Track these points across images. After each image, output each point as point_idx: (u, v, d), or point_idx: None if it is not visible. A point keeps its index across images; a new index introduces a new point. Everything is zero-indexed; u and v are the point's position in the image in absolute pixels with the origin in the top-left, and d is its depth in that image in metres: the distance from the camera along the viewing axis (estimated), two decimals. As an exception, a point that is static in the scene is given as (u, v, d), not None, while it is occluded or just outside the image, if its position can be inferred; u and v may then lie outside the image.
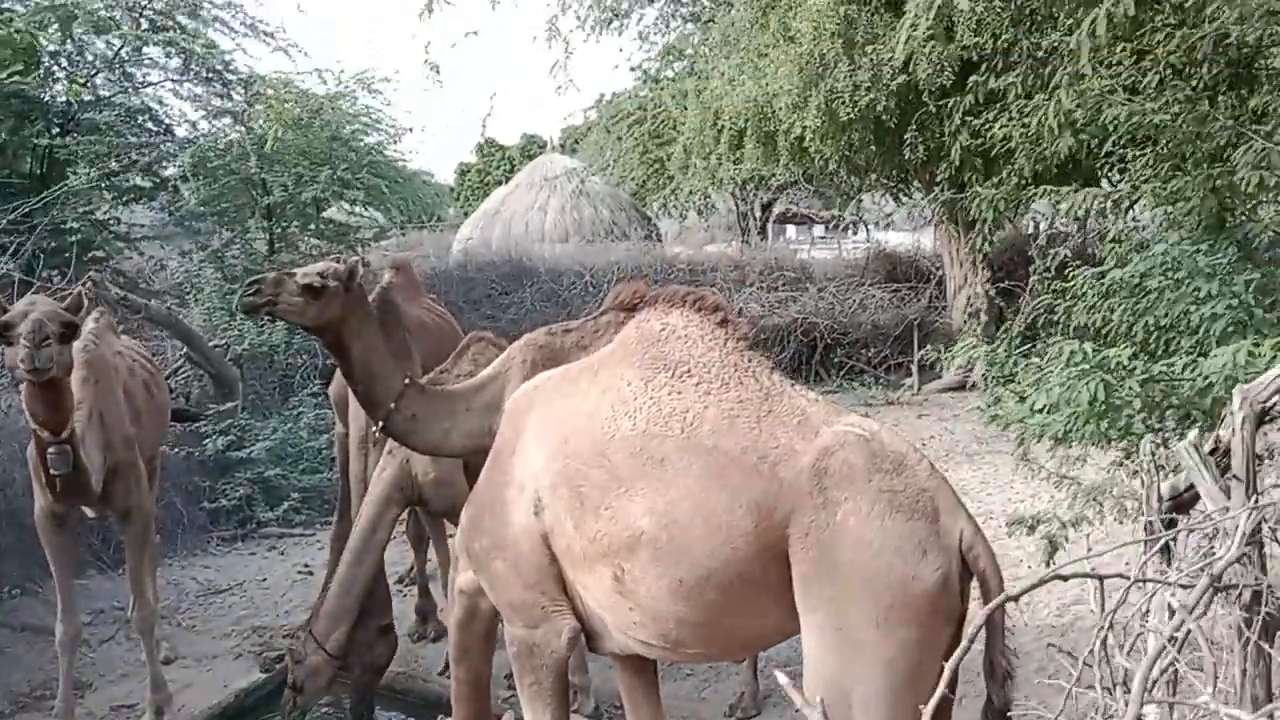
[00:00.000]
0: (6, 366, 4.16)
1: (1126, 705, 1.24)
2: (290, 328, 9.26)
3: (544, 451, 2.93)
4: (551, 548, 2.91)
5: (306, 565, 7.16)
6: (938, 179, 10.57)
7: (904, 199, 15.20)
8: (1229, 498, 1.50)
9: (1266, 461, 3.24)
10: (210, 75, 11.68)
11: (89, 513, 4.91)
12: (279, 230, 11.27)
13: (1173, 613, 1.46)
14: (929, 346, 5.78)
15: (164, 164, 12.45)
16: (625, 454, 2.73)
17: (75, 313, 4.21)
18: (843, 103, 9.94)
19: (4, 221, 9.37)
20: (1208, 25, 3.81)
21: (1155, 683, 1.47)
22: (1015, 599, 1.89)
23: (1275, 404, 1.56)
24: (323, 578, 6.42)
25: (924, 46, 8.43)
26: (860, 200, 18.17)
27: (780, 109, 10.54)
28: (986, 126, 6.58)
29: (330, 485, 8.37)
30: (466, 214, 29.82)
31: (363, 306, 4.50)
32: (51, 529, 4.67)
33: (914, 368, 13.07)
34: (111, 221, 12.08)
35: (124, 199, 12.58)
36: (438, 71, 13.32)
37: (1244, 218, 3.89)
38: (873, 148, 10.81)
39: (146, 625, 4.98)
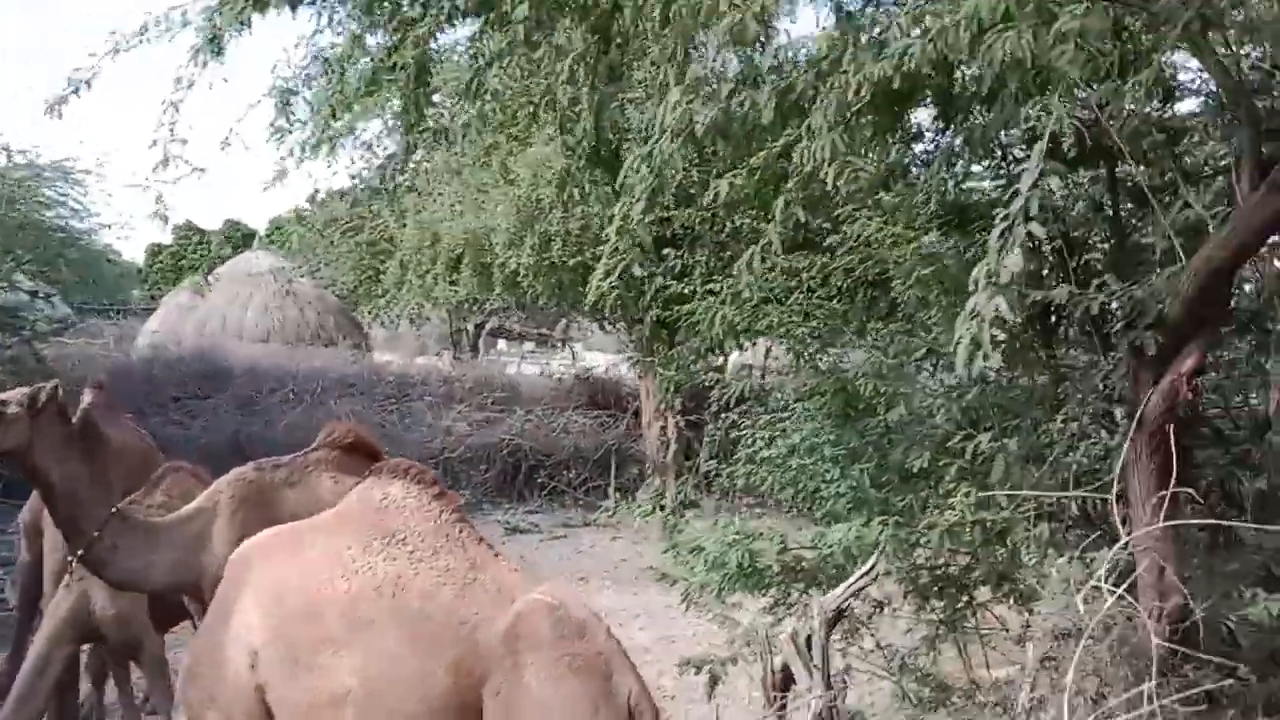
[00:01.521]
0: None
1: None
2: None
3: (261, 608, 3.09)
4: (266, 701, 3.06)
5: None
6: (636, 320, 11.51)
7: (608, 327, 16.24)
8: (812, 682, 2.02)
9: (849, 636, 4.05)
10: None
11: None
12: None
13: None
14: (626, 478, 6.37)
15: None
16: (337, 614, 2.97)
17: None
18: (556, 246, 10.69)
19: None
20: (842, 258, 4.78)
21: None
22: None
23: (846, 606, 2.12)
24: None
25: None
26: (567, 324, 19.12)
27: (497, 244, 11.13)
28: (676, 298, 7.45)
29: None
30: (154, 298, 28.00)
31: (57, 431, 4.42)
32: None
33: (611, 492, 13.79)
34: None
35: None
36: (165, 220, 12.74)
37: (863, 414, 4.78)
38: (581, 289, 11.59)
39: None
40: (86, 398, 5.94)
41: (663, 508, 12.45)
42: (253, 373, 15.26)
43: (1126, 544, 3.53)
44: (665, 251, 8.09)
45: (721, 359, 11.83)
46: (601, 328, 16.74)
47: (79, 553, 4.43)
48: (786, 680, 2.23)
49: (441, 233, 12.38)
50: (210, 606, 3.42)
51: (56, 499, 4.42)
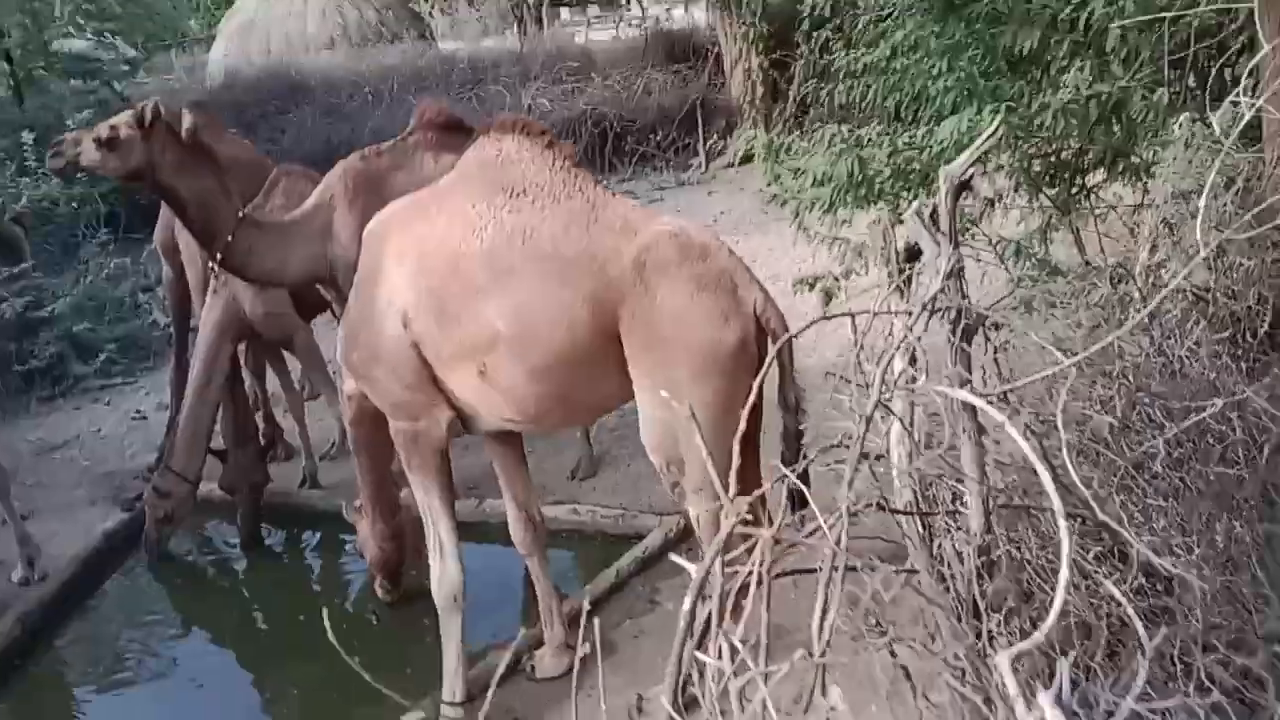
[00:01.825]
0: None
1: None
2: (66, 180, 8.82)
3: (405, 272, 3.32)
4: (422, 353, 3.34)
5: (139, 410, 7.23)
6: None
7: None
8: (939, 248, 2.07)
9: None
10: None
11: None
12: (23, 74, 10.37)
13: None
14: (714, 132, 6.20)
15: None
16: (477, 267, 3.16)
17: None
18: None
19: None
20: None
21: (896, 382, 2.06)
22: (796, 336, 2.49)
23: (970, 177, 2.12)
24: (163, 420, 6.62)
25: None
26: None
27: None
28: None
29: (144, 332, 8.32)
30: (211, 26, 27.48)
31: (173, 147, 4.58)
32: None
33: (700, 148, 13.63)
34: None
35: None
36: None
37: (968, 1, 4.46)
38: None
39: (1, 485, 5.10)
40: (187, 119, 6.03)
41: (752, 156, 12.26)
42: (327, 80, 15.12)
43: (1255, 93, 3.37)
44: None
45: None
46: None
47: (218, 257, 4.70)
48: (912, 256, 2.29)
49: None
50: (355, 280, 3.63)
51: (188, 210, 4.65)
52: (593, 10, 27.69)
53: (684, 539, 4.83)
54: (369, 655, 4.28)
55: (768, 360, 2.38)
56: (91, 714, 4.43)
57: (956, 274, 1.92)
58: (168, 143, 4.53)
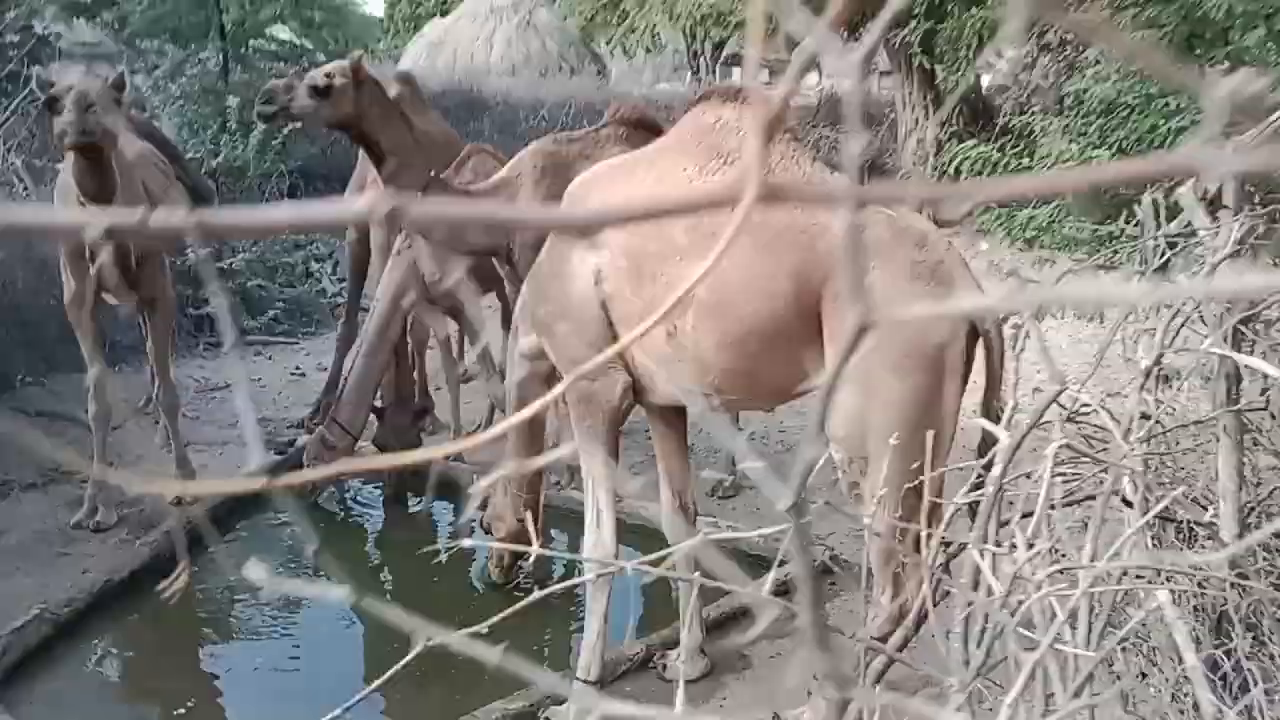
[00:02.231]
0: (54, 136, 4.31)
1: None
2: (260, 145, 9.32)
3: (606, 229, 3.30)
4: (609, 313, 3.32)
5: (297, 368, 7.48)
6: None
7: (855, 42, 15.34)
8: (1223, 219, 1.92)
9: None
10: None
11: (111, 301, 5.13)
12: (233, 50, 11.05)
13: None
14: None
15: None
16: (681, 229, 3.11)
17: (120, 90, 4.37)
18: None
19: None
20: None
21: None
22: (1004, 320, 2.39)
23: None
24: (319, 379, 6.81)
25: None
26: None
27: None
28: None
29: (310, 298, 8.64)
30: (397, 47, 28.94)
31: (378, 99, 4.71)
32: (82, 313, 4.88)
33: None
34: (52, 37, 11.67)
35: (65, 13, 12.13)
36: None
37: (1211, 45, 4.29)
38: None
39: (172, 406, 5.29)
40: (393, 90, 6.29)
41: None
42: (506, 102, 15.64)
43: None
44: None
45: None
46: (845, 40, 15.84)
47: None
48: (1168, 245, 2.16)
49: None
50: (549, 238, 3.65)
51: (384, 164, 4.78)
52: (763, 75, 28.11)
53: (826, 573, 4.70)
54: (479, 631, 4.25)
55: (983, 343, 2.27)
56: (215, 635, 4.48)
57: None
58: (374, 95, 4.69)
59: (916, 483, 3.18)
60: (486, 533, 4.54)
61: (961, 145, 9.27)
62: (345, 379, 5.36)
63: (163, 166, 5.55)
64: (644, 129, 5.45)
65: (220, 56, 10.37)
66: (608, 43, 19.09)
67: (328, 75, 4.64)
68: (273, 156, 9.36)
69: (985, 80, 15.11)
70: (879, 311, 2.05)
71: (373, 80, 4.73)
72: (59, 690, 3.83)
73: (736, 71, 27.80)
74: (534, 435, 4.28)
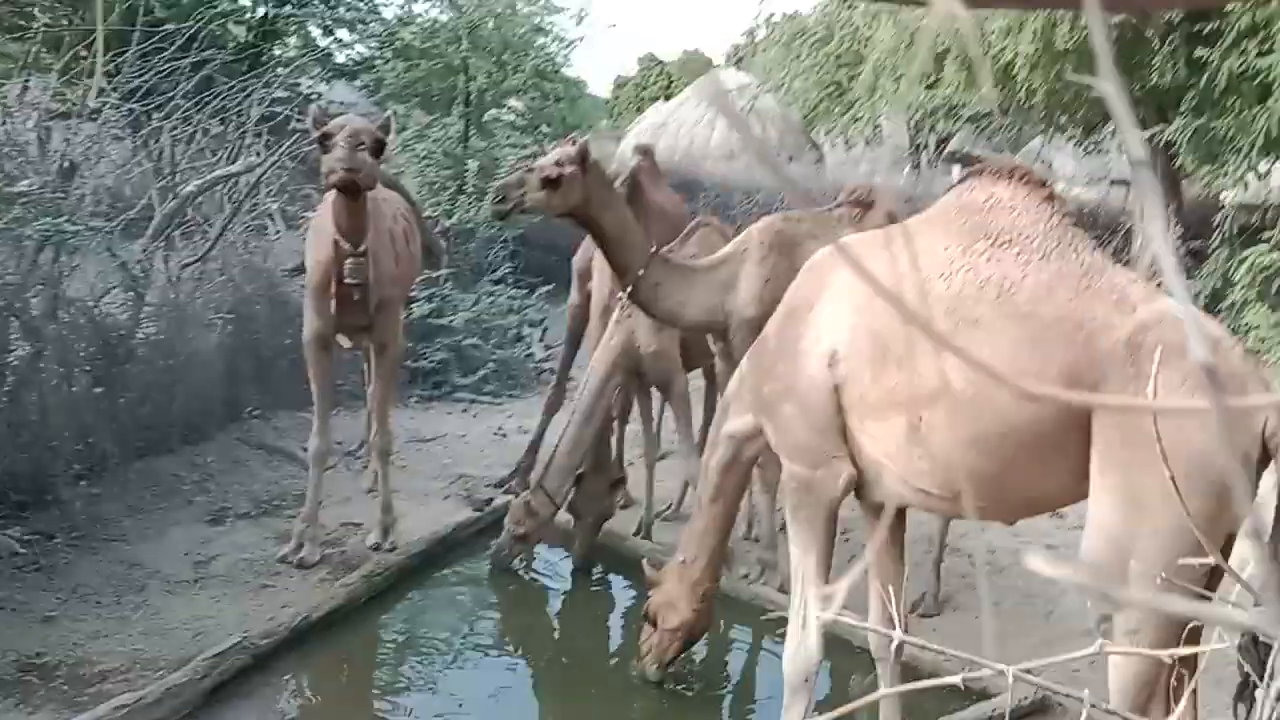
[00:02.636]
0: (323, 173, 4.52)
1: None
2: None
3: (847, 308, 3.09)
4: (841, 399, 3.09)
5: (500, 429, 7.58)
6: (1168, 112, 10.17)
7: (1088, 148, 14.72)
8: None
9: None
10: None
11: (344, 343, 5.31)
12: (475, 117, 11.63)
13: None
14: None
15: (369, 43, 12.95)
16: (938, 312, 2.87)
17: (385, 133, 4.56)
18: (1062, 30, 9.61)
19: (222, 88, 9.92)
20: None
21: None
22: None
23: None
24: (521, 441, 6.84)
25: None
26: (1042, 145, 17.60)
27: (992, 32, 10.25)
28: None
29: (519, 362, 8.80)
30: (618, 128, 30.02)
31: (603, 184, 4.72)
32: (318, 351, 5.05)
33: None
34: (314, 96, 12.65)
35: (327, 75, 13.14)
36: None
37: None
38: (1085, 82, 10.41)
39: (385, 450, 5.40)
40: (633, 161, 6.40)
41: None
42: (722, 185, 15.75)
43: None
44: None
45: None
46: (1080, 144, 15.20)
47: (628, 289, 4.77)
48: None
49: (924, 29, 11.66)
50: (781, 311, 3.46)
51: (609, 243, 4.76)
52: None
53: (1040, 712, 4.25)
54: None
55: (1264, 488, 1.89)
56: (392, 684, 4.43)
57: None
58: (598, 179, 4.67)
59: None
60: (652, 623, 4.23)
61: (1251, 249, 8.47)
62: (556, 445, 5.31)
63: (408, 216, 5.75)
64: (877, 212, 5.27)
65: (463, 124, 10.92)
66: (828, 132, 19.04)
67: (558, 164, 4.63)
68: (500, 222, 9.67)
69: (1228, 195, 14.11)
70: (1162, 422, 1.71)
71: (597, 165, 4.73)
72: (248, 723, 3.85)
73: (956, 170, 27.20)
74: (725, 523, 4.05)
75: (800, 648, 3.33)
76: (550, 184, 4.56)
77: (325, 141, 4.42)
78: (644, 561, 4.38)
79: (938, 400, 2.83)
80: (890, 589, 3.56)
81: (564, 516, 5.43)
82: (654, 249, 4.79)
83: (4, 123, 5.97)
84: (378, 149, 4.48)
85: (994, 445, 2.78)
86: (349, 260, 4.63)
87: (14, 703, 3.72)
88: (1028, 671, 1.08)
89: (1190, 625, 2.83)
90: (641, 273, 4.69)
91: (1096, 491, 2.69)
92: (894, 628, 3.60)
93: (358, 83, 13.25)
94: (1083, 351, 2.71)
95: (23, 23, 8.51)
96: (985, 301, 2.83)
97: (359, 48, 13.47)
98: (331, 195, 4.68)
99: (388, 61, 12.58)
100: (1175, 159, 11.04)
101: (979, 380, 2.77)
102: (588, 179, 4.61)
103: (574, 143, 4.65)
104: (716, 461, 3.84)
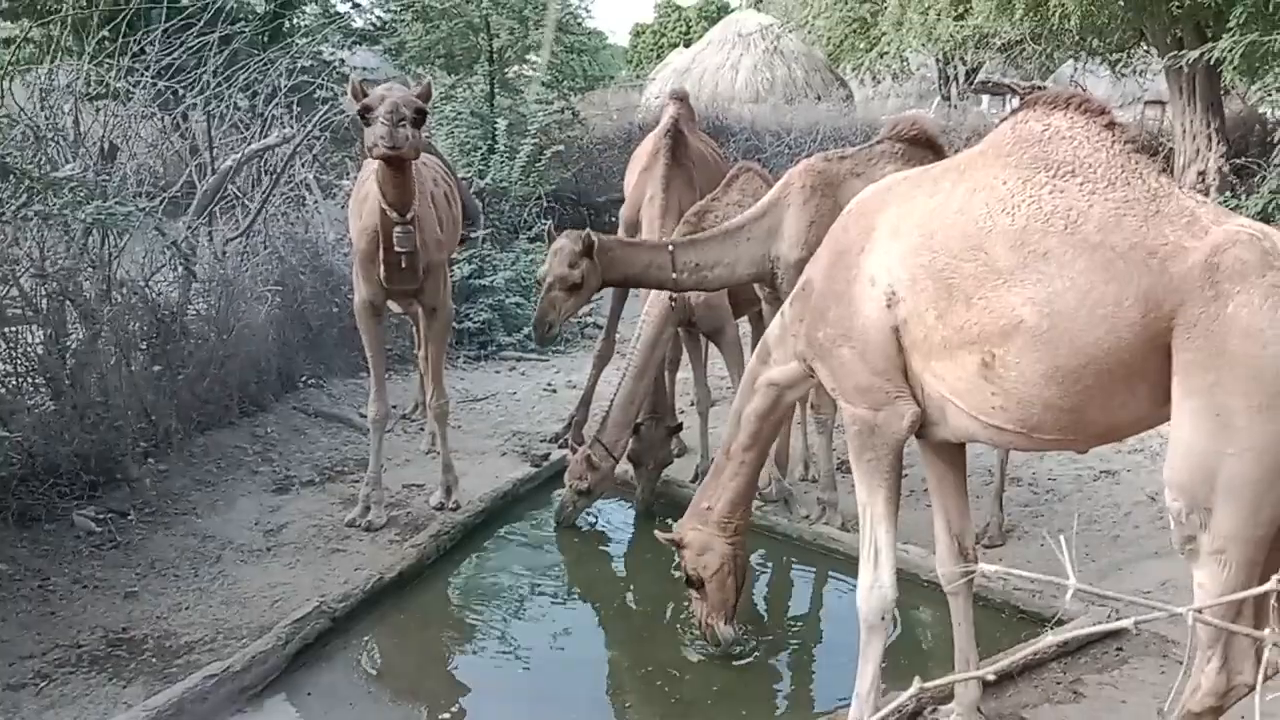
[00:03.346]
0: (366, 146, 4.53)
1: None
2: (524, 168, 9.65)
3: (903, 246, 3.04)
4: (901, 339, 3.06)
5: (549, 384, 7.62)
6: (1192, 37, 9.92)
7: (1122, 71, 14.41)
8: None
9: None
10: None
11: (394, 308, 5.33)
12: (500, 75, 11.53)
13: None
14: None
15: (388, 6, 12.86)
16: (1004, 248, 2.82)
17: (425, 101, 4.54)
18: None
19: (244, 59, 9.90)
20: None
21: None
22: None
23: None
24: (570, 395, 6.88)
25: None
26: (1075, 68, 17.21)
27: (1024, -42, 10.00)
28: None
29: (563, 315, 8.81)
30: (639, 77, 29.72)
31: (606, 254, 4.74)
32: (369, 318, 5.09)
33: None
34: (338, 63, 12.60)
35: (349, 42, 13.07)
36: None
37: None
38: (1120, 3, 10.14)
39: (442, 412, 5.45)
40: (671, 109, 6.35)
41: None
42: (751, 128, 15.59)
43: None
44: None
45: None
46: (1113, 69, 14.87)
47: (672, 299, 5.16)
48: None
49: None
50: (827, 254, 3.40)
51: (643, 282, 5.00)
52: (1014, 102, 26.76)
53: (1113, 636, 4.24)
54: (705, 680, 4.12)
55: None
56: (465, 638, 4.50)
57: None
58: (605, 253, 4.71)
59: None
60: (697, 586, 4.11)
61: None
62: (612, 400, 5.34)
63: (449, 179, 5.75)
64: (922, 146, 5.18)
65: (488, 82, 10.84)
66: (854, 69, 18.75)
67: (571, 267, 4.67)
68: (534, 179, 9.67)
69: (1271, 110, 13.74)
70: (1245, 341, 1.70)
71: (601, 243, 4.72)
72: (333, 684, 3.96)
73: (986, 100, 26.73)
74: (755, 470, 4.02)
75: (875, 585, 3.34)
76: (575, 289, 4.71)
77: (366, 115, 4.41)
78: (655, 531, 4.32)
79: (1011, 335, 2.79)
80: (956, 522, 3.57)
81: (623, 467, 5.47)
82: (670, 247, 4.76)
83: (41, 109, 5.99)
84: (419, 119, 4.46)
85: (1072, 377, 2.74)
86: (397, 228, 4.64)
87: (107, 677, 3.83)
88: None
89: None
90: (674, 271, 4.70)
91: (1180, 414, 2.67)
92: (963, 558, 3.62)
93: (379, 47, 13.17)
94: (1159, 277, 2.66)
95: (52, 4, 8.52)
96: (1053, 233, 2.78)
97: (378, 12, 13.38)
98: (373, 163, 4.68)
99: (408, 24, 12.47)
100: (1219, 76, 10.78)
101: (1054, 312, 2.73)
102: (601, 260, 4.70)
103: (580, 240, 4.68)
104: (753, 409, 3.79)
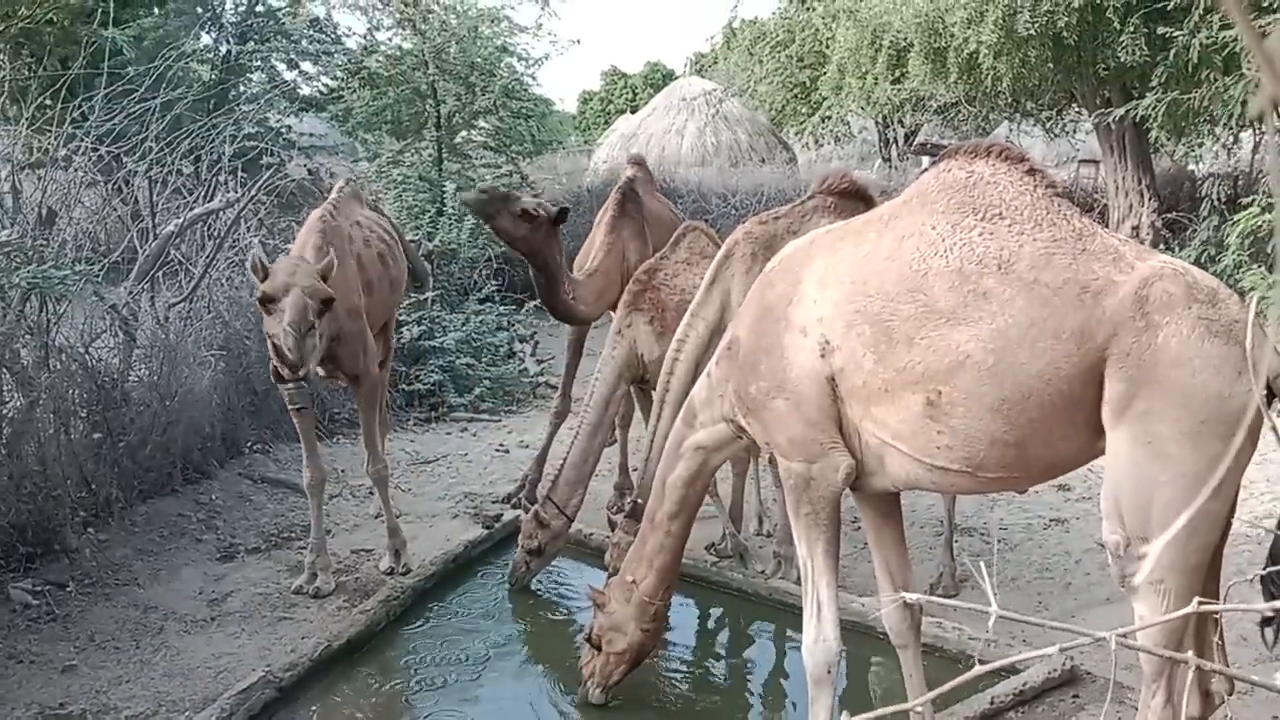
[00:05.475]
0: (266, 332, 4.45)
1: None
2: (473, 231, 9.67)
3: (834, 295, 3.08)
4: (838, 388, 3.09)
5: (501, 445, 7.55)
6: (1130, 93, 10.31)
7: (1055, 131, 14.94)
8: None
9: None
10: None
11: (320, 372, 5.25)
12: (447, 140, 11.61)
13: None
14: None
15: (335, 74, 12.94)
16: (942, 289, 2.88)
17: (327, 280, 4.40)
18: (1022, 18, 9.71)
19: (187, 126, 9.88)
20: None
21: None
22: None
23: None
24: (523, 456, 6.83)
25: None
26: (1010, 128, 17.77)
27: (954, 24, 10.35)
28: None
29: (514, 378, 8.80)
30: (587, 142, 30.14)
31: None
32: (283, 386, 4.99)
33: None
34: (284, 129, 12.58)
35: (295, 109, 13.09)
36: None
37: None
38: (1050, 65, 10.52)
39: (381, 477, 5.35)
40: (629, 171, 6.50)
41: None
42: (698, 190, 15.81)
43: None
44: None
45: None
46: (1047, 129, 15.39)
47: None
48: None
49: (885, 25, 11.77)
50: (752, 310, 3.42)
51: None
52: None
53: (1069, 683, 4.28)
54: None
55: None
56: (417, 706, 4.38)
57: None
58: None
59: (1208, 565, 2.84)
60: (596, 647, 4.12)
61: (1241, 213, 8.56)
62: (565, 457, 5.31)
63: (388, 237, 5.72)
64: (853, 198, 5.29)
65: (435, 147, 10.90)
66: (797, 132, 19.18)
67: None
68: (483, 240, 9.70)
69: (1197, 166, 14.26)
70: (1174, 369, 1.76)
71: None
72: (279, 755, 3.82)
73: (926, 160, 27.42)
74: (681, 540, 4.00)
75: (819, 640, 3.33)
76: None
77: (268, 305, 4.24)
78: (587, 586, 4.30)
79: (957, 372, 2.84)
80: (899, 573, 3.56)
81: (577, 527, 5.42)
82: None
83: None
84: (324, 309, 4.34)
85: (1017, 409, 2.80)
86: (290, 386, 4.59)
87: (41, 755, 3.68)
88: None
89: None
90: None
91: (1114, 444, 2.74)
92: (908, 611, 3.62)
93: (325, 114, 13.20)
94: (1092, 311, 2.75)
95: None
96: (989, 273, 2.86)
97: (325, 79, 13.43)
98: (303, 228, 4.72)
99: (354, 91, 12.54)
100: (1147, 135, 11.19)
101: (999, 348, 2.80)
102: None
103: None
104: (679, 475, 3.76)
